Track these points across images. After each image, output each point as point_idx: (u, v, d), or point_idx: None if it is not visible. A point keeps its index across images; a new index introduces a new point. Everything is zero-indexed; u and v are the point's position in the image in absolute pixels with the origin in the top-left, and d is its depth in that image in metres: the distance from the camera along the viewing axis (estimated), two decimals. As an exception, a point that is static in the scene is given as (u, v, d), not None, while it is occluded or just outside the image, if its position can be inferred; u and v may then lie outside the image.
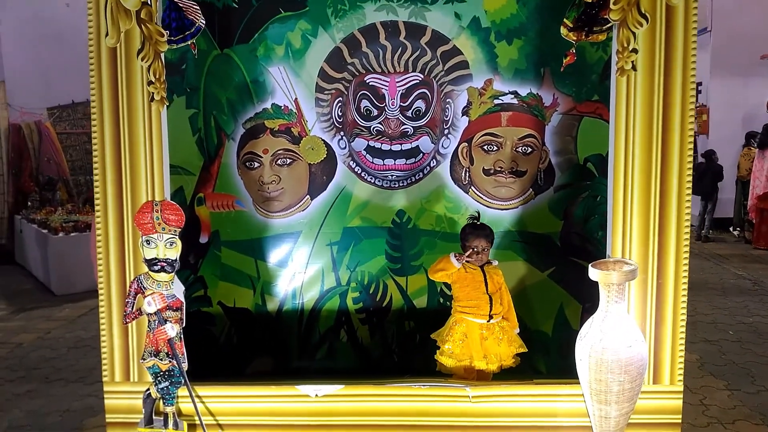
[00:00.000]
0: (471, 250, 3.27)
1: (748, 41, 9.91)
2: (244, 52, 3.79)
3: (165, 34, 3.01)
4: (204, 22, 3.04)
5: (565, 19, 2.79)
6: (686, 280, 2.80)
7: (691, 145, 2.69)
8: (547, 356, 3.85)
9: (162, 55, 3.03)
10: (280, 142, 3.86)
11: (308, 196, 3.91)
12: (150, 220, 3.05)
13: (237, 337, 4.03)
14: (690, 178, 2.71)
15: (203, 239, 3.96)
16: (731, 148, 9.75)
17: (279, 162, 3.88)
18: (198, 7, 3.03)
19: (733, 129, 10.07)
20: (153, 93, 3.04)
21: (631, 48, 2.69)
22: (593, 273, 2.75)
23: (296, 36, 3.76)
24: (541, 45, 3.60)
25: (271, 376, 3.96)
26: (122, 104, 3.06)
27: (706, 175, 9.03)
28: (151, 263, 3.07)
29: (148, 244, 3.06)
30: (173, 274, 3.07)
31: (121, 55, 3.04)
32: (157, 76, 3.03)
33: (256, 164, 3.88)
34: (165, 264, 3.06)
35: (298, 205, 3.92)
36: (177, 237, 3.06)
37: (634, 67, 2.71)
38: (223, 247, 3.96)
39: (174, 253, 3.06)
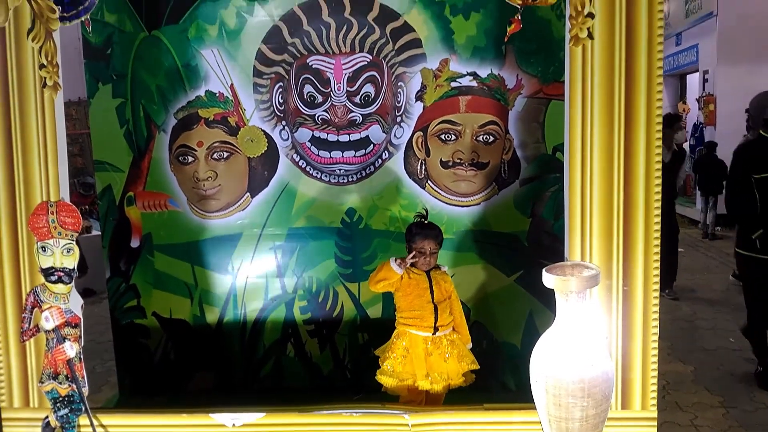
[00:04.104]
0: (416, 252, 2.86)
1: (757, 25, 9.35)
2: (174, 33, 3.41)
3: (57, 10, 2.62)
4: (98, -6, 2.65)
5: (508, -21, 2.36)
6: (657, 286, 2.36)
7: (659, 126, 2.25)
8: (516, 371, 3.43)
9: (54, 34, 2.64)
10: (215, 133, 3.48)
11: (248, 194, 3.52)
12: (45, 224, 2.67)
13: (174, 352, 3.65)
14: (659, 165, 2.27)
15: (134, 243, 3.60)
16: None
17: (215, 156, 3.49)
18: (91, -22, 2.63)
19: (742, 119, 9.48)
20: (45, 78, 2.65)
21: (586, 12, 2.25)
22: (548, 279, 2.31)
23: (230, 14, 3.38)
24: (502, 19, 3.16)
25: (212, 395, 3.61)
26: (12, 92, 2.68)
27: (708, 168, 8.46)
28: (47, 273, 2.68)
29: (44, 251, 2.68)
30: (71, 285, 2.69)
31: (11, 36, 2.66)
32: (49, 59, 2.64)
33: (190, 158, 3.50)
34: (62, 274, 2.68)
35: (237, 204, 3.53)
36: (74, 243, 2.68)
37: (590, 35, 2.27)
38: (156, 252, 3.59)
39: (71, 261, 2.68)
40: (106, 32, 3.43)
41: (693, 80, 11.63)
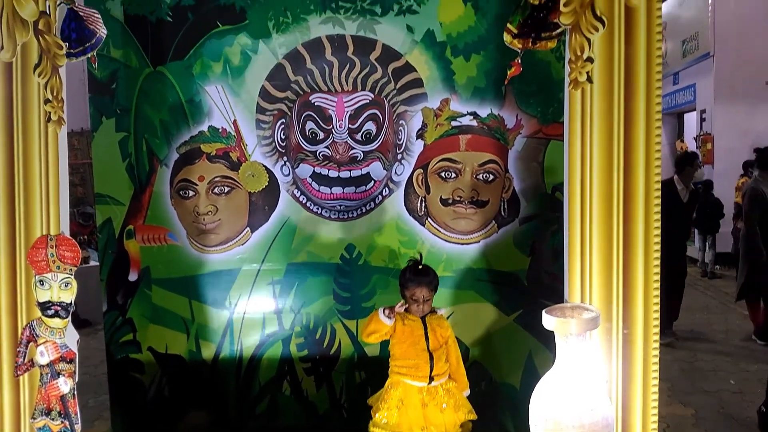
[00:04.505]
0: (408, 299, 2.81)
1: (753, 66, 9.50)
2: (179, 69, 3.46)
3: (64, 46, 2.66)
4: (105, 31, 2.69)
5: (508, 25, 2.40)
6: (657, 330, 2.35)
7: (659, 169, 2.27)
8: (515, 413, 3.39)
9: (60, 70, 2.67)
10: (217, 168, 3.49)
11: (248, 229, 3.52)
12: (44, 257, 2.67)
13: (169, 388, 3.60)
14: (658, 208, 2.28)
15: (132, 277, 3.58)
16: (736, 178, 9.23)
17: (216, 190, 3.50)
18: (99, 16, 2.68)
19: (739, 158, 9.56)
20: (50, 113, 2.68)
21: (585, 57, 2.29)
22: (548, 321, 2.31)
23: (235, 52, 3.43)
24: (502, 61, 3.21)
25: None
26: (17, 126, 2.70)
27: (706, 207, 8.43)
28: (44, 307, 2.68)
29: (42, 284, 2.68)
30: (67, 319, 2.68)
31: (17, 71, 2.69)
32: (55, 94, 2.68)
33: (191, 193, 3.51)
34: (59, 308, 2.67)
35: (236, 239, 3.52)
36: (72, 277, 2.67)
37: (589, 79, 2.31)
38: (154, 286, 3.57)
39: (69, 295, 2.68)
40: (112, 67, 3.48)
41: (691, 119, 11.75)
